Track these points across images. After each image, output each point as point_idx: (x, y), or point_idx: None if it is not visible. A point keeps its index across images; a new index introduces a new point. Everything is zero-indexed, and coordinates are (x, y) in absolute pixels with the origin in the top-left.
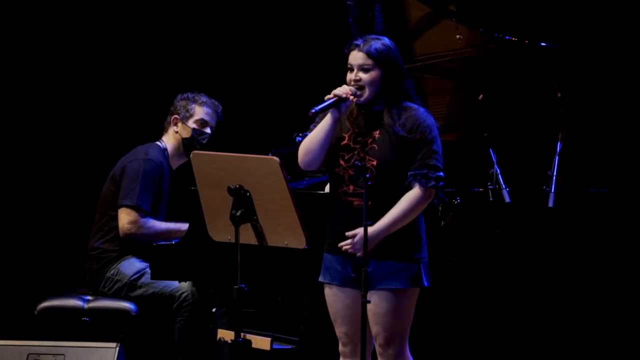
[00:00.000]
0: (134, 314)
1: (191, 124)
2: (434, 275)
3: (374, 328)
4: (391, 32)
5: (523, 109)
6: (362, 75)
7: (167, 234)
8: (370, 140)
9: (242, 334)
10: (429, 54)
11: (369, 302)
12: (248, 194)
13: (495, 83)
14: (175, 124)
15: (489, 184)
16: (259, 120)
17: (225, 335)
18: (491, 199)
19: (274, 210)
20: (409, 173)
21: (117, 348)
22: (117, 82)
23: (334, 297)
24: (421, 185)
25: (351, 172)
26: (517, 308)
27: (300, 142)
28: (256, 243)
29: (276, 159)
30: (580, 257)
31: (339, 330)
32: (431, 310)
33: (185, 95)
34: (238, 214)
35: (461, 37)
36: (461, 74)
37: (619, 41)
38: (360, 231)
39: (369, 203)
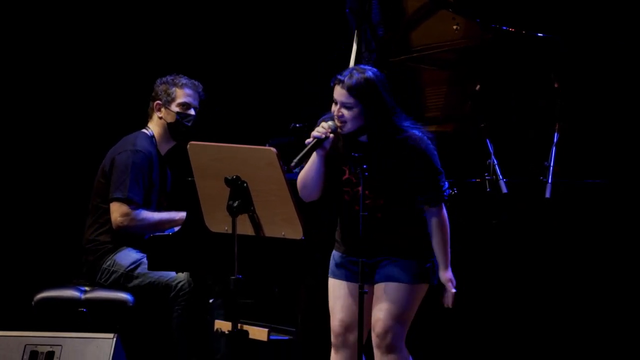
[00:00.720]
0: (131, 304)
1: (174, 107)
2: None
3: (375, 315)
4: (387, 23)
5: (520, 99)
6: (344, 111)
7: (161, 224)
8: (369, 175)
9: (239, 324)
10: (425, 45)
11: (366, 292)
12: (245, 184)
13: (492, 74)
14: (159, 110)
15: (486, 174)
16: (255, 111)
17: (223, 326)
18: (488, 190)
19: (271, 201)
20: (419, 199)
21: (114, 339)
22: (103, 73)
23: (338, 287)
24: (436, 206)
25: (356, 208)
26: (515, 299)
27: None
28: (253, 234)
29: (273, 149)
30: (577, 248)
31: (335, 318)
32: (428, 302)
33: (164, 79)
34: (235, 204)
35: (458, 27)
36: (458, 64)
37: (617, 39)
38: (449, 279)
39: (379, 215)
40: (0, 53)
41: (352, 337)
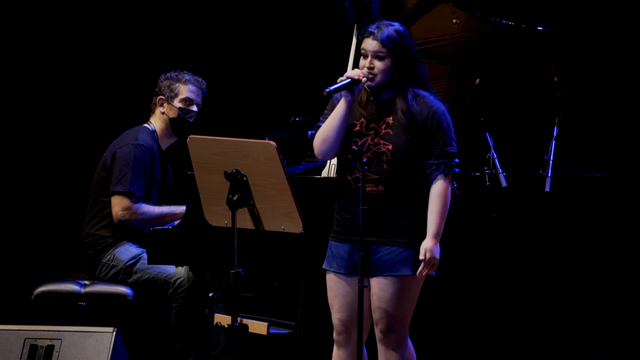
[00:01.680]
0: (130, 298)
1: (177, 103)
2: None
3: (377, 313)
4: (387, 16)
5: (520, 93)
6: (375, 62)
7: (162, 218)
8: (384, 126)
9: (239, 318)
10: (425, 39)
11: (366, 286)
12: (245, 178)
13: (492, 67)
14: (161, 105)
15: (485, 168)
16: (255, 105)
17: (222, 320)
18: (488, 184)
19: (270, 194)
20: (428, 162)
21: (114, 333)
22: (105, 67)
23: (336, 284)
24: (445, 173)
25: (364, 158)
26: (514, 292)
27: (313, 135)
28: (253, 228)
29: (273, 143)
30: (577, 241)
31: (335, 317)
32: (428, 296)
33: (168, 74)
34: (235, 198)
35: (458, 21)
36: (458, 58)
37: (616, 33)
38: (425, 248)
39: (381, 188)
40: (1, 47)
41: (354, 334)
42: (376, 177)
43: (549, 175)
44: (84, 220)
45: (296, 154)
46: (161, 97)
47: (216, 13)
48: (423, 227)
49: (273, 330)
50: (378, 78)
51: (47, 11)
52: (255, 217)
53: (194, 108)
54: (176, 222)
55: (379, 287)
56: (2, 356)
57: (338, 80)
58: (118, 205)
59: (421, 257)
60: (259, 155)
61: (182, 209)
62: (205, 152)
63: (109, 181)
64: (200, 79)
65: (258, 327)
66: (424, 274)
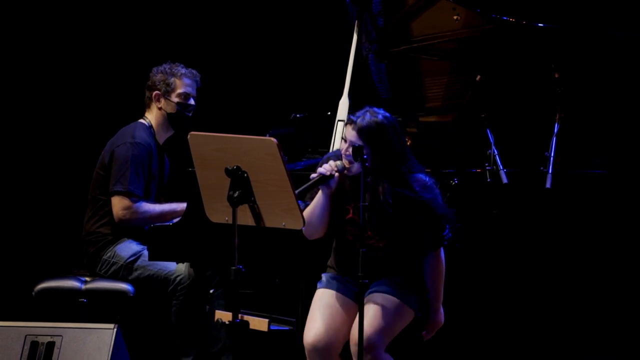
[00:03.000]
0: (131, 295)
1: (174, 98)
2: None
3: (359, 326)
4: (388, 13)
5: (520, 89)
6: (352, 151)
7: (162, 216)
8: (373, 217)
9: (239, 315)
10: (426, 35)
11: (367, 282)
12: (245, 175)
13: (492, 64)
14: (158, 100)
15: (486, 164)
16: (256, 102)
17: (223, 316)
18: (489, 180)
19: (271, 191)
20: (422, 246)
21: (115, 329)
22: (99, 62)
23: (324, 295)
24: (435, 250)
25: (357, 246)
26: (514, 289)
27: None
28: (254, 224)
29: (274, 140)
30: (577, 238)
31: (311, 326)
32: None
33: (161, 68)
34: (235, 195)
35: (458, 17)
36: (458, 54)
37: (617, 30)
38: (435, 325)
39: (379, 255)
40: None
41: (327, 350)
42: (373, 240)
43: (550, 171)
44: (84, 218)
45: (297, 150)
46: (157, 92)
47: (215, 7)
48: (420, 279)
49: (274, 327)
50: (355, 167)
51: (42, 8)
52: (256, 214)
53: (192, 102)
54: (176, 220)
55: (372, 300)
56: (3, 352)
57: (311, 177)
58: (118, 205)
59: (430, 334)
60: (259, 152)
61: (182, 206)
62: (206, 149)
63: (107, 179)
64: (194, 71)
65: (259, 323)
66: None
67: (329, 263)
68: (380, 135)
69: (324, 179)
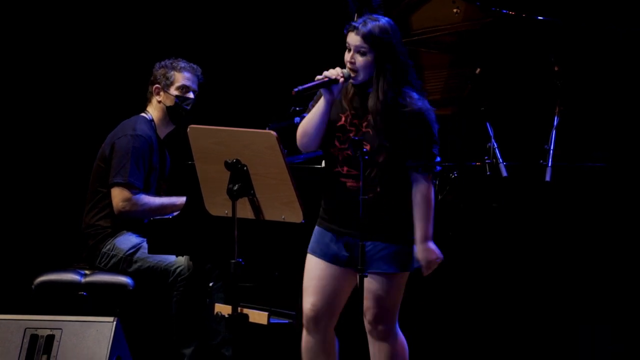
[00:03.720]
0: (131, 288)
1: (173, 91)
2: None
3: (365, 304)
4: (388, 6)
5: (520, 82)
6: (357, 57)
7: (162, 209)
8: (365, 124)
9: (239, 308)
10: (426, 28)
11: (367, 275)
12: (245, 168)
13: (492, 57)
14: (158, 94)
15: (486, 158)
16: (256, 95)
17: (223, 309)
18: (488, 173)
19: (271, 184)
20: (408, 163)
21: (115, 322)
22: (102, 56)
23: (315, 267)
24: (425, 176)
25: (345, 154)
26: (514, 282)
27: (299, 123)
28: (253, 217)
29: (273, 133)
30: (577, 231)
31: (307, 300)
32: (427, 286)
33: (163, 63)
34: (235, 188)
35: (458, 10)
36: (458, 48)
37: (617, 23)
38: (425, 259)
39: (361, 184)
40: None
41: (324, 321)
42: (356, 172)
43: (550, 165)
44: (83, 211)
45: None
46: (157, 85)
47: (217, 2)
48: (403, 222)
49: (273, 320)
50: (360, 75)
51: (45, 1)
52: (256, 207)
53: (191, 95)
54: (176, 213)
55: (367, 283)
56: (3, 346)
57: (316, 78)
58: (118, 196)
59: (427, 270)
60: (259, 145)
61: (182, 199)
62: (205, 142)
63: (107, 172)
64: (195, 66)
65: (258, 316)
66: (428, 273)
67: (320, 213)
68: (384, 37)
69: (329, 83)
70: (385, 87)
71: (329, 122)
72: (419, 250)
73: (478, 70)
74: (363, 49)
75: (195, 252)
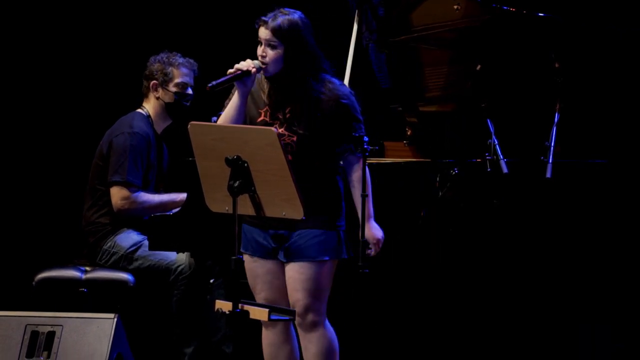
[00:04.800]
0: (131, 284)
1: (172, 88)
2: (432, 247)
3: (293, 295)
4: (388, 2)
5: (521, 79)
6: (268, 51)
7: (162, 206)
8: (289, 115)
9: (240, 305)
10: (426, 25)
11: (367, 271)
12: (246, 164)
13: (492, 54)
14: (155, 90)
15: (486, 154)
16: None
17: (223, 306)
18: (489, 170)
19: (271, 181)
20: (339, 148)
21: (115, 319)
22: (96, 52)
23: (255, 264)
24: (359, 157)
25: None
26: (515, 279)
27: (216, 121)
28: (254, 214)
29: (273, 129)
30: (577, 228)
31: (259, 297)
32: (428, 281)
33: (158, 57)
34: (236, 184)
35: (459, 7)
36: (459, 44)
37: (618, 21)
38: (370, 237)
39: (289, 150)
40: None
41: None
42: None
43: (550, 161)
44: (83, 208)
45: None
46: (154, 81)
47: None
48: (332, 209)
49: (274, 317)
50: (271, 68)
51: (39, 0)
52: (256, 204)
53: (189, 91)
54: (175, 210)
55: (293, 272)
56: (3, 342)
57: (228, 72)
58: (117, 195)
59: (372, 249)
60: (260, 142)
61: (182, 196)
62: (206, 139)
63: (106, 169)
64: (191, 60)
65: (259, 313)
66: (374, 254)
67: None
68: (293, 33)
69: (242, 75)
70: (300, 78)
71: (249, 120)
72: (366, 229)
73: (478, 66)
74: (273, 43)
75: (196, 248)
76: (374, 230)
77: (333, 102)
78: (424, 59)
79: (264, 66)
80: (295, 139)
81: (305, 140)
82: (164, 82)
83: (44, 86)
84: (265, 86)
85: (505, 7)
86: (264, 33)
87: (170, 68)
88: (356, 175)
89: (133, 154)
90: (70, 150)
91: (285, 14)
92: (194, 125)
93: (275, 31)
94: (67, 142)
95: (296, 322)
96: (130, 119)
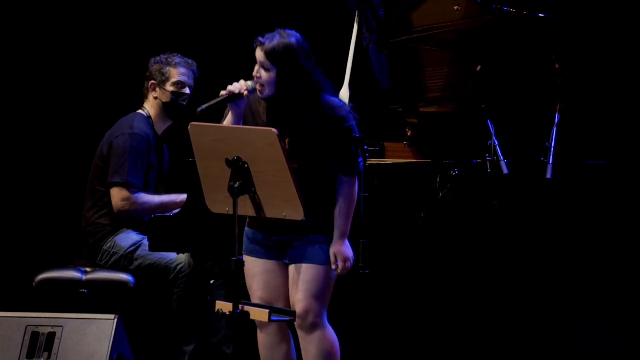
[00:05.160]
0: (132, 285)
1: (169, 87)
2: (432, 248)
3: (295, 296)
4: (389, 3)
5: (521, 80)
6: (262, 73)
7: (162, 207)
8: (288, 139)
9: (240, 305)
10: (426, 26)
11: (367, 272)
12: (246, 165)
13: (493, 54)
14: (154, 90)
15: (487, 155)
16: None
17: (224, 307)
18: (489, 171)
19: (272, 181)
20: (333, 167)
21: (115, 320)
22: (98, 53)
23: (253, 265)
24: (350, 177)
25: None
26: (516, 280)
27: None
28: (254, 215)
29: (274, 130)
30: (577, 228)
31: (255, 296)
32: (428, 282)
33: (158, 58)
34: (236, 185)
35: (459, 8)
36: (459, 45)
37: (617, 22)
38: (334, 253)
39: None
40: None
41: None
42: None
43: (551, 162)
44: (83, 209)
45: None
46: (153, 81)
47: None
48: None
49: (274, 318)
50: (266, 90)
51: (39, 1)
52: (257, 205)
53: (187, 91)
54: (176, 211)
55: (296, 274)
56: (4, 343)
57: (220, 94)
58: (117, 196)
59: (333, 265)
60: (260, 142)
61: (182, 197)
62: (206, 139)
63: (106, 170)
64: (190, 61)
65: (259, 314)
66: (339, 272)
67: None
68: (287, 57)
69: (233, 97)
70: (295, 100)
71: None
72: (335, 245)
73: (479, 67)
74: (266, 65)
75: (196, 249)
76: (344, 248)
77: (330, 125)
78: (425, 60)
79: (259, 88)
80: (295, 166)
81: (304, 167)
82: (162, 82)
83: (44, 87)
84: (262, 107)
85: (505, 8)
86: (259, 54)
87: (167, 68)
88: (341, 192)
89: (133, 155)
90: (70, 151)
91: (282, 36)
92: (194, 126)
93: (269, 54)
94: (67, 143)
95: (296, 324)
96: (130, 120)
